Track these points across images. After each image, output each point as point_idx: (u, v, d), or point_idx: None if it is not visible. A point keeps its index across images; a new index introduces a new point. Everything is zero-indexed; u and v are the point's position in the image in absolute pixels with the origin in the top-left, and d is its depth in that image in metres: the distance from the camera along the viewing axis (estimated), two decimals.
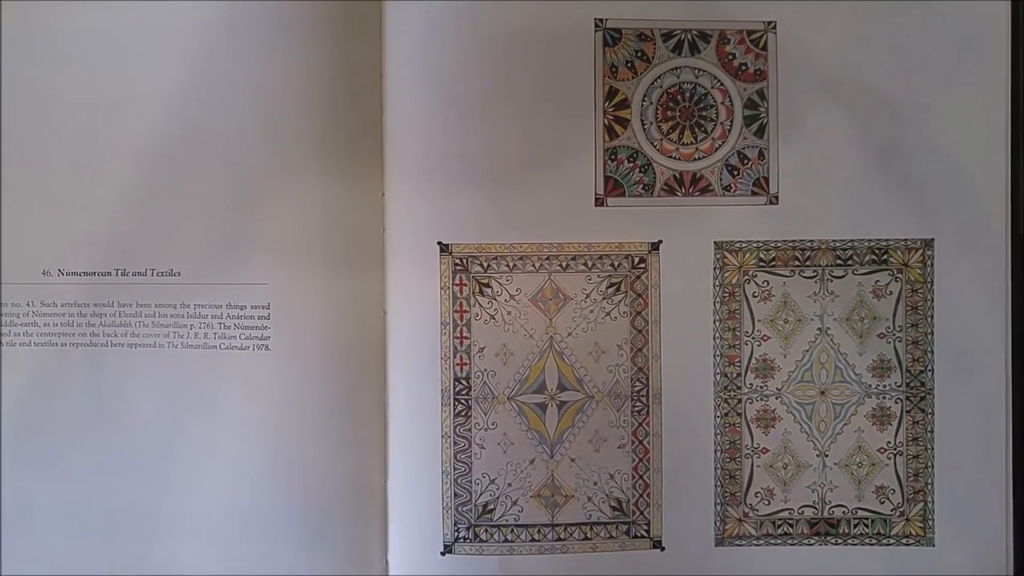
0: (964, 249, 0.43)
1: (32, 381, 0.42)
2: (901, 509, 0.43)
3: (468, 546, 0.43)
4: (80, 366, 0.42)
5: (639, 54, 0.42)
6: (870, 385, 0.43)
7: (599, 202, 0.42)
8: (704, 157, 0.43)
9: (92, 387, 0.42)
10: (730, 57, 0.42)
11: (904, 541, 0.43)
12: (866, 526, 0.43)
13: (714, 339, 0.43)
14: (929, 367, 0.43)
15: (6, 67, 0.42)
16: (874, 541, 0.43)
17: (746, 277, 0.43)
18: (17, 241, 0.42)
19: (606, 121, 0.42)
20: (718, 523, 0.43)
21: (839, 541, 0.43)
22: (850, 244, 0.43)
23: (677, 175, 0.43)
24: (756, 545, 0.43)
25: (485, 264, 0.42)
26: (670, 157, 0.43)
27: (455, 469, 0.42)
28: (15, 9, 0.42)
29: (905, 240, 0.43)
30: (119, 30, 0.41)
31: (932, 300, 0.43)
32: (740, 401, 0.43)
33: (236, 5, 0.41)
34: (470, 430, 0.42)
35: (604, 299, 0.43)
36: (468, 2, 0.41)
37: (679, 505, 0.43)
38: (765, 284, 0.43)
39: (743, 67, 0.42)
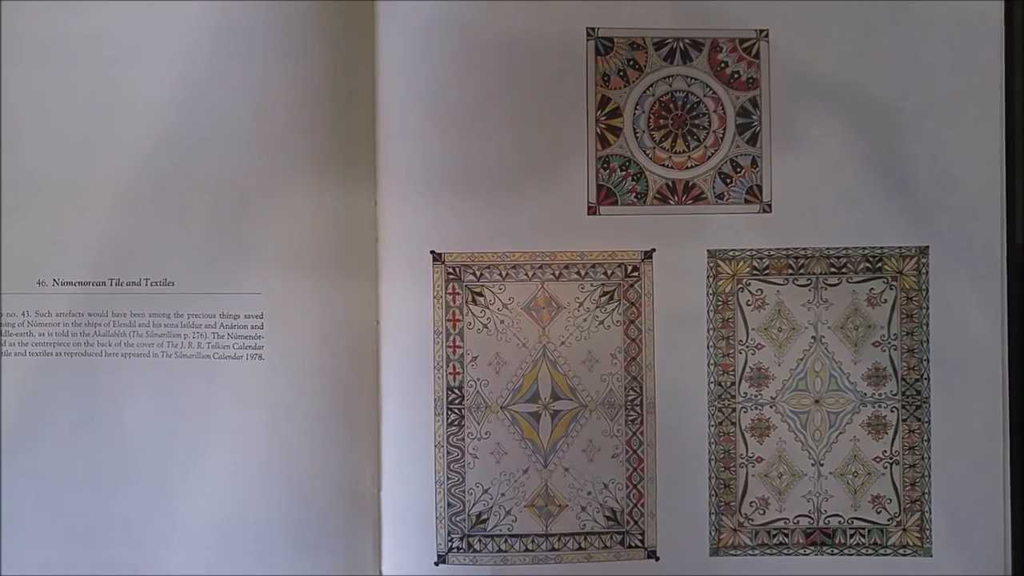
0: (959, 256, 0.42)
1: (27, 390, 0.42)
2: (898, 519, 0.43)
3: (462, 556, 0.42)
4: (74, 375, 0.42)
5: (631, 63, 0.42)
6: (865, 394, 0.43)
7: (592, 211, 0.42)
8: (697, 165, 0.43)
9: (86, 396, 0.42)
10: (722, 65, 0.42)
11: (901, 551, 0.43)
12: (862, 536, 0.43)
13: (708, 348, 0.43)
14: (925, 375, 0.43)
15: (1, 74, 0.42)
16: (871, 551, 0.43)
17: (740, 285, 0.43)
18: (12, 251, 0.42)
19: (598, 130, 0.42)
20: (713, 533, 0.43)
21: (835, 551, 0.43)
22: (844, 252, 0.43)
23: (670, 183, 0.43)
24: (751, 555, 0.43)
25: (478, 273, 0.42)
26: (663, 165, 0.43)
27: (448, 479, 0.42)
28: (9, 14, 0.42)
29: (900, 248, 0.43)
30: (111, 37, 0.41)
31: (927, 308, 0.43)
32: (734, 410, 0.43)
33: (230, 14, 0.41)
34: (463, 439, 0.42)
35: (597, 308, 0.43)
36: (461, 11, 0.41)
37: (673, 515, 0.43)
38: (759, 292, 0.43)
39: (735, 75, 0.42)
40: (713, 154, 0.43)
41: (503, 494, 0.43)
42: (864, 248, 0.43)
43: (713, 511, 0.43)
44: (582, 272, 0.42)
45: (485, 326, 0.42)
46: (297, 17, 0.41)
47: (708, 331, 0.43)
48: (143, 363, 0.42)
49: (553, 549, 0.43)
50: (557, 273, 0.42)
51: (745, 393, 0.43)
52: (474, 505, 0.42)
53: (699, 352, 0.43)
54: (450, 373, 0.42)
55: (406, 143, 0.41)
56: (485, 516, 0.43)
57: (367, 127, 0.41)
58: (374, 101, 0.41)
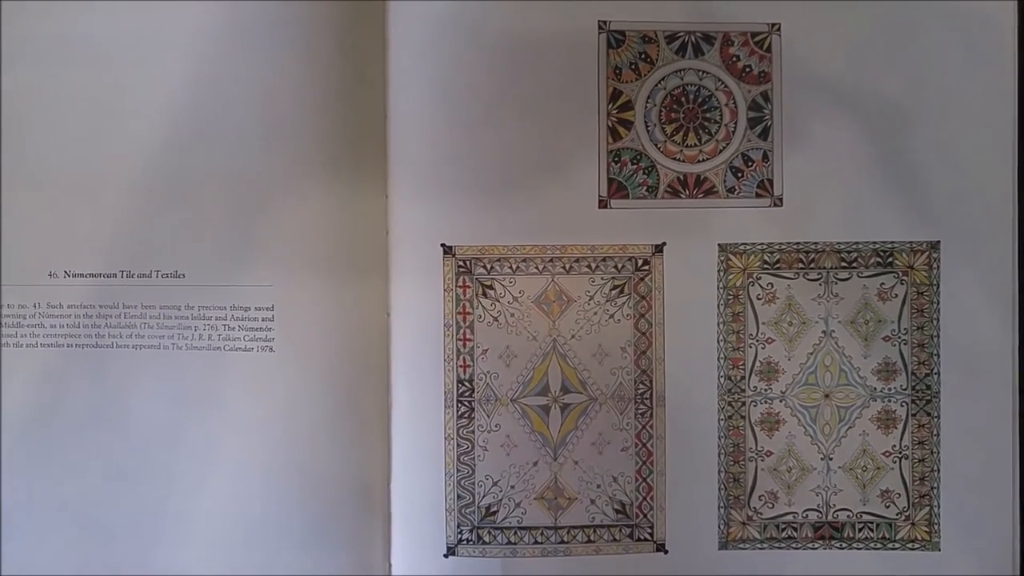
0: (970, 251, 0.42)
1: (37, 382, 0.42)
2: (907, 513, 0.43)
3: (471, 548, 0.42)
4: (85, 368, 0.42)
5: (643, 56, 0.42)
6: (875, 388, 0.43)
7: (603, 204, 0.42)
8: (708, 159, 0.43)
9: (97, 389, 0.42)
10: (734, 59, 0.42)
11: (910, 546, 0.43)
12: (871, 530, 0.43)
13: (718, 342, 0.43)
14: (935, 370, 0.43)
15: (12, 69, 0.42)
16: (879, 546, 0.43)
17: (750, 279, 0.43)
18: (23, 243, 0.42)
19: (610, 123, 0.42)
20: (722, 526, 0.43)
21: (844, 545, 0.43)
22: (855, 246, 0.43)
23: (681, 177, 0.43)
24: (760, 549, 0.43)
25: (488, 266, 0.42)
26: (674, 159, 0.42)
27: (458, 471, 0.42)
28: (20, 12, 0.42)
29: (911, 242, 0.42)
30: (123, 33, 0.41)
31: (938, 303, 0.43)
32: (744, 404, 0.43)
33: (240, 9, 0.41)
34: (473, 432, 0.42)
35: (608, 301, 0.43)
36: (472, 5, 0.41)
37: (683, 508, 0.43)
38: (769, 287, 0.43)
39: (747, 69, 0.42)
40: (724, 148, 0.42)
41: (513, 486, 0.43)
42: (875, 243, 0.42)
43: (722, 505, 0.43)
44: (593, 266, 0.42)
45: (495, 319, 0.42)
46: (308, 15, 0.41)
47: (718, 325, 0.43)
48: (154, 355, 0.42)
49: (562, 542, 0.43)
50: (568, 266, 0.42)
51: (755, 387, 0.43)
52: (484, 497, 0.43)
53: (709, 346, 0.43)
54: (460, 366, 0.42)
55: (417, 136, 0.41)
56: (495, 508, 0.43)
57: (378, 121, 0.41)
58: (385, 95, 0.41)
